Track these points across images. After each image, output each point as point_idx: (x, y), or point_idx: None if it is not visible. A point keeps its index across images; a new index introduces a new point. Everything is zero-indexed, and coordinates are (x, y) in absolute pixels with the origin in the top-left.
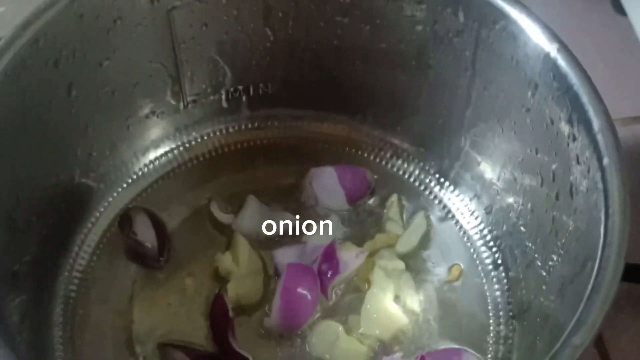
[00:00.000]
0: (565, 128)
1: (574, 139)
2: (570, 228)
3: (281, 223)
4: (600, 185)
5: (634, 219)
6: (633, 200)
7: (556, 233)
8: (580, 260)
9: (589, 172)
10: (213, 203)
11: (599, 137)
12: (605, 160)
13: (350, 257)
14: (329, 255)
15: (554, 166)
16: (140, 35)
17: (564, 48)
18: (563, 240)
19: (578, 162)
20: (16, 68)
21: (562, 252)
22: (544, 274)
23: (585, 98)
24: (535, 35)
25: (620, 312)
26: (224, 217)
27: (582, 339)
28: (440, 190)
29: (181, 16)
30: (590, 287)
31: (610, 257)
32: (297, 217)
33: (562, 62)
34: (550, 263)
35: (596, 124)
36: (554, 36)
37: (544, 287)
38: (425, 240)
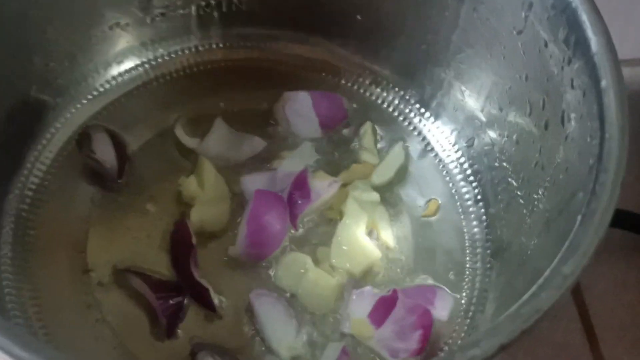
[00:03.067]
0: (560, 50)
1: (569, 61)
2: (558, 159)
3: (250, 148)
4: (595, 110)
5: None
6: (632, 145)
7: (542, 166)
8: (570, 191)
9: (584, 96)
10: (178, 125)
11: (597, 58)
12: (603, 83)
13: (323, 187)
14: (300, 184)
15: (544, 93)
16: None
17: None
18: (550, 172)
19: (572, 87)
20: None
21: (547, 185)
22: (526, 211)
23: (584, 16)
24: None
25: (597, 259)
26: (189, 141)
27: (573, 267)
28: (420, 121)
29: None
30: (580, 215)
31: (605, 182)
32: (267, 142)
33: None
34: (535, 196)
35: (594, 43)
36: None
37: (526, 224)
38: (402, 173)
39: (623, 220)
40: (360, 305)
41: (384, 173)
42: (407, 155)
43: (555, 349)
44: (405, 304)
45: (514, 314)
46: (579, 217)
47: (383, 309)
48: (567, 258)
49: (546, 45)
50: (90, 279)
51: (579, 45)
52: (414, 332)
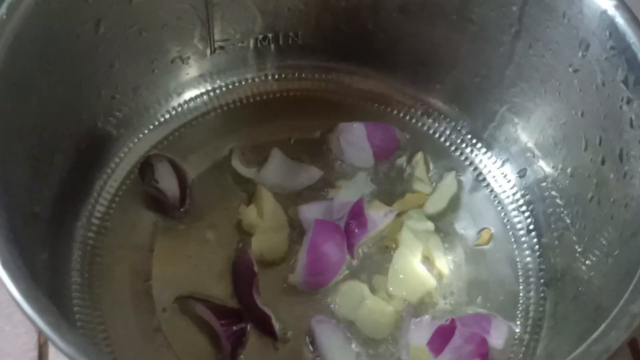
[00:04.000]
0: (618, 89)
1: (629, 101)
2: (617, 195)
3: (307, 178)
4: None
5: None
6: None
7: (598, 200)
8: (630, 229)
9: None
10: (234, 156)
11: None
12: None
13: (379, 216)
14: (357, 213)
15: (602, 130)
16: None
17: (622, 5)
18: (607, 207)
19: (632, 126)
20: None
21: (604, 220)
22: (579, 244)
23: None
24: None
25: None
26: (245, 171)
27: None
28: (472, 151)
29: None
30: None
31: None
32: (323, 172)
33: (620, 20)
34: (589, 230)
35: None
36: None
37: (578, 255)
38: (454, 202)
39: None
40: (419, 334)
41: (437, 202)
42: (460, 185)
43: None
44: (462, 333)
45: (585, 352)
46: None
47: (442, 337)
48: (636, 297)
49: (604, 84)
50: (155, 305)
51: (639, 85)
52: None
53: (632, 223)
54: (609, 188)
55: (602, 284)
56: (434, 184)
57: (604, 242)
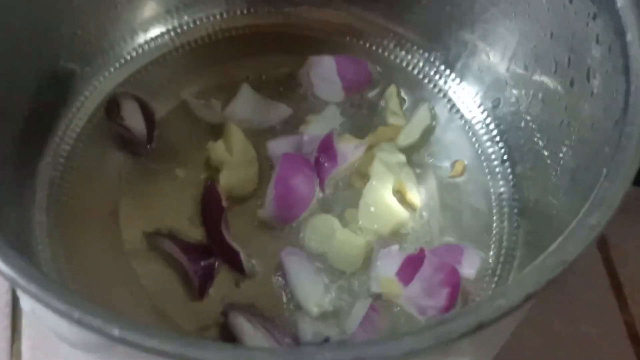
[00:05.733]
0: (585, 5)
1: (595, 16)
2: (584, 116)
3: (276, 115)
4: (620, 64)
5: None
6: None
7: (568, 124)
8: (595, 147)
9: (609, 51)
10: (192, 99)
11: (622, 12)
12: (629, 36)
13: (349, 149)
14: (327, 146)
15: (569, 50)
16: None
17: None
18: (576, 130)
19: (597, 42)
20: None
21: (573, 142)
22: (552, 169)
23: None
24: None
25: (624, 218)
26: (206, 114)
27: (599, 218)
28: (445, 83)
29: None
30: (606, 169)
31: (631, 134)
32: (293, 109)
33: None
34: (561, 155)
35: None
36: None
37: (552, 182)
38: (427, 134)
39: None
40: (389, 264)
41: (410, 135)
42: (433, 117)
43: (585, 308)
44: (432, 263)
45: (540, 265)
46: (605, 171)
47: (411, 267)
48: (593, 210)
49: (571, 1)
50: (123, 243)
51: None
52: (441, 290)
53: (597, 141)
54: (577, 109)
55: (569, 207)
56: (407, 117)
57: (572, 166)
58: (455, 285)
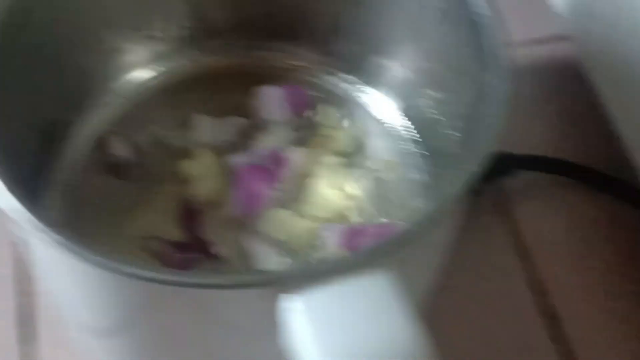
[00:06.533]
0: None
1: None
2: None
3: (233, 127)
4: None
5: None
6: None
7: (472, 104)
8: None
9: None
10: (163, 132)
11: None
12: None
13: (296, 156)
14: (277, 156)
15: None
16: None
17: None
18: (479, 109)
19: None
20: None
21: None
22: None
23: None
24: None
25: (533, 200)
26: (176, 142)
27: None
28: (366, 94)
29: None
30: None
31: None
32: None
33: None
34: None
35: None
36: None
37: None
38: (360, 141)
39: (541, 164)
40: (333, 238)
41: (344, 143)
42: (361, 127)
43: (489, 272)
44: (372, 233)
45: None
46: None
47: (353, 237)
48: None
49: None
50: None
51: None
52: None
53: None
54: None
55: None
56: (341, 128)
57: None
58: None
